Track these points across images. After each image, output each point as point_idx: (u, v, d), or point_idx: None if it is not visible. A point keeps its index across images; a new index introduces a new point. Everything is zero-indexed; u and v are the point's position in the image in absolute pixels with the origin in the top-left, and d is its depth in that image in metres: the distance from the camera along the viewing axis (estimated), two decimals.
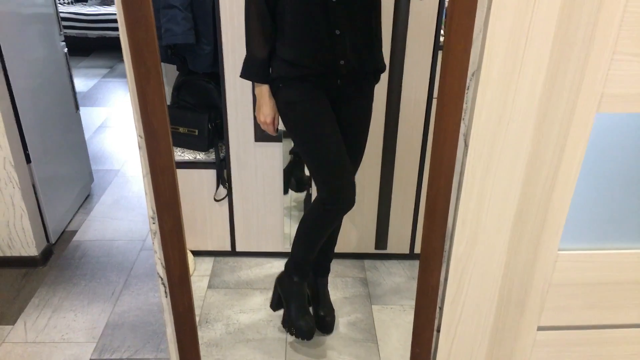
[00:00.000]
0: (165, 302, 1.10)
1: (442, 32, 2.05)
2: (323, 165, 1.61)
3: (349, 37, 1.50)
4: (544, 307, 1.02)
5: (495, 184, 0.77)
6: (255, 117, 1.88)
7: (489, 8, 0.67)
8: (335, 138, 1.60)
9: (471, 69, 0.69)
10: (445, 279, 0.98)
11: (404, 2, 1.93)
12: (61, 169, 2.59)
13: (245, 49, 1.60)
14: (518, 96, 0.73)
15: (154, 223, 0.95)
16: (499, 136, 0.75)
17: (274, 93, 1.62)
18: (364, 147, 1.79)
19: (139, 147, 0.84)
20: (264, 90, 1.61)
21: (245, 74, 1.62)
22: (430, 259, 0.94)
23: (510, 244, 0.91)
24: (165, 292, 1.08)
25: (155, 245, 1.01)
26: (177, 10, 1.87)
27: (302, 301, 1.83)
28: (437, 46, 2.01)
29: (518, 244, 0.91)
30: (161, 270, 1.05)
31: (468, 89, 0.71)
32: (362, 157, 1.80)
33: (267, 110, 1.63)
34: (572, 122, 0.78)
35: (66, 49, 2.64)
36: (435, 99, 2.14)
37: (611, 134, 0.84)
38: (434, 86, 2.08)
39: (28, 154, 2.24)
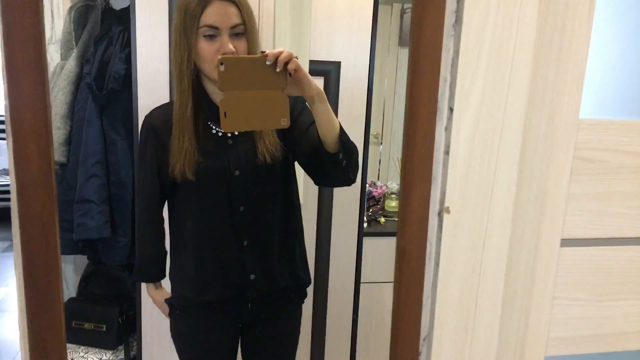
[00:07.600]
0: None
1: (365, 217, 2.11)
2: None
3: (258, 250, 1.31)
4: None
5: None
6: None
7: (435, 274, 0.65)
8: None
9: (422, 334, 0.65)
10: None
11: (327, 192, 1.98)
12: None
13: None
14: None
15: None
16: None
17: (171, 315, 1.42)
18: None
19: None
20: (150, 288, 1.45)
21: (140, 276, 1.50)
22: None
23: None
24: None
25: None
26: (94, 204, 1.77)
27: None
28: (361, 232, 2.05)
29: None
30: None
31: (420, 354, 0.65)
32: None
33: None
34: None
35: None
36: (363, 284, 2.13)
37: None
38: (360, 272, 2.07)
39: None
